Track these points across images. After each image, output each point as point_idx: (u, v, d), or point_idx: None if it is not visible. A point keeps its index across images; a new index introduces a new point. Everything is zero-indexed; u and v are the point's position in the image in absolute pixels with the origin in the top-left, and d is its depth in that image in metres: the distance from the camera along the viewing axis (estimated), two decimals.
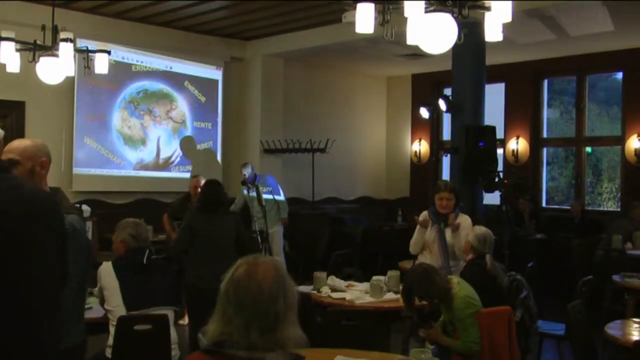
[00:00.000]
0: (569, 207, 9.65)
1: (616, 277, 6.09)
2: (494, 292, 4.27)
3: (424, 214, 5.25)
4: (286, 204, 8.61)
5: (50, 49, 5.55)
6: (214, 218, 5.39)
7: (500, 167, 8.16)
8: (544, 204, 10.61)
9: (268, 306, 1.82)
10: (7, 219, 1.72)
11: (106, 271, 3.99)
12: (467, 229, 4.91)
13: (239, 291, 1.83)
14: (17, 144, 2.76)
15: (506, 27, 4.02)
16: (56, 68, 5.55)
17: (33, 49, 5.62)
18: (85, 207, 7.68)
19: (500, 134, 9.18)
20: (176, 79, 9.76)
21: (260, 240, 6.78)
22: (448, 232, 5.04)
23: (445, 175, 10.56)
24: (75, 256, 2.67)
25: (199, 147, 10.03)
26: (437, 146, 10.74)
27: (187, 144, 9.90)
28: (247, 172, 8.08)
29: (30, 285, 1.75)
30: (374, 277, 4.84)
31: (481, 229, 4.61)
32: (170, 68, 9.71)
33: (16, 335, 1.70)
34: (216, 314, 1.86)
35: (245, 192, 7.95)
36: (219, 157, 10.26)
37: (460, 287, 3.96)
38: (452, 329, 4.00)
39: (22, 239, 1.75)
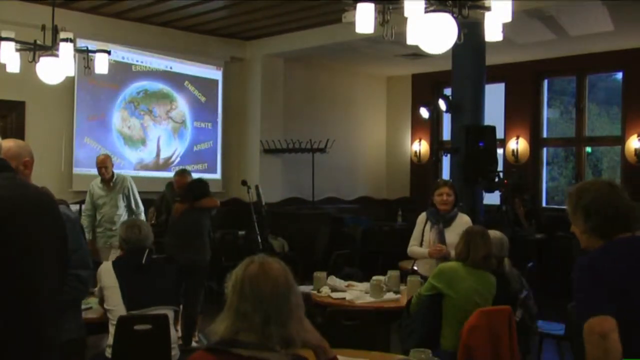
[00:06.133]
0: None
1: None
2: (505, 297, 4.15)
3: (423, 216, 5.22)
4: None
5: (50, 49, 5.54)
6: None
7: (500, 167, 8.15)
8: (544, 204, 10.59)
9: (284, 300, 1.87)
10: (18, 216, 1.75)
11: (106, 271, 4.00)
12: None
13: (257, 286, 1.86)
14: None
15: (506, 27, 4.02)
16: (56, 68, 5.54)
17: (33, 49, 5.61)
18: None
19: (500, 134, 9.17)
20: (176, 79, 9.76)
21: (259, 240, 6.80)
22: (448, 233, 4.99)
23: (445, 175, 10.55)
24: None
25: (198, 147, 10.03)
26: (437, 146, 10.73)
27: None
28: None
29: (37, 281, 1.78)
30: (374, 277, 4.84)
31: (496, 234, 4.38)
32: (170, 68, 9.71)
33: (20, 331, 1.72)
34: (227, 311, 1.88)
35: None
36: (219, 157, 10.27)
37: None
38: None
39: (31, 235, 1.78)
